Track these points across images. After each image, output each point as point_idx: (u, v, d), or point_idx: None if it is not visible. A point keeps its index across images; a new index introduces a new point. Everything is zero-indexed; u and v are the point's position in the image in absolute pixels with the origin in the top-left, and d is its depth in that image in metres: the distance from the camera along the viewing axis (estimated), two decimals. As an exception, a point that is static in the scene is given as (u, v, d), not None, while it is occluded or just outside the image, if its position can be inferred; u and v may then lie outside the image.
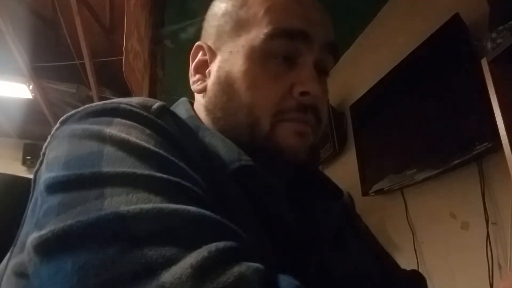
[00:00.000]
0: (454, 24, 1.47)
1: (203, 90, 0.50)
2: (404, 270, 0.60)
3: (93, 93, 2.68)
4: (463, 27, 1.45)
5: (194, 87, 0.51)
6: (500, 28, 1.19)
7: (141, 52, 1.86)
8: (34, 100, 2.95)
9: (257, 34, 0.46)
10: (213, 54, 0.50)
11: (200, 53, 0.52)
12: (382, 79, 1.90)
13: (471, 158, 1.37)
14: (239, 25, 0.48)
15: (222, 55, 0.49)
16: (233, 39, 0.48)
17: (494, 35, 1.21)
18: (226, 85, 0.47)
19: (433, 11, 1.69)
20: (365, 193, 1.94)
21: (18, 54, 2.34)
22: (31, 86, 2.77)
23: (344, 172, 2.35)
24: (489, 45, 1.22)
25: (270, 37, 0.45)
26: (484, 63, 1.15)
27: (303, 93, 0.45)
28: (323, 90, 0.49)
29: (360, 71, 2.26)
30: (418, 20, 1.78)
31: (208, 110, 0.50)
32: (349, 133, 2.31)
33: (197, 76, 0.51)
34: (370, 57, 2.16)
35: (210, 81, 0.50)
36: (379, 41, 2.10)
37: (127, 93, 1.86)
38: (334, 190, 0.54)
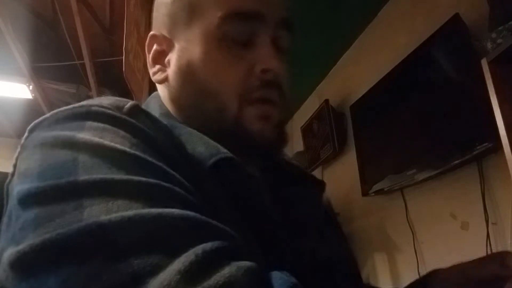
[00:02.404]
0: (454, 24, 1.47)
1: (164, 80, 0.50)
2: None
3: (93, 93, 2.68)
4: (463, 27, 1.45)
5: (155, 77, 0.51)
6: (500, 28, 1.19)
7: (141, 52, 1.86)
8: (34, 100, 2.95)
9: (212, 19, 0.46)
10: (169, 43, 0.50)
11: (156, 43, 0.51)
12: (382, 79, 1.90)
13: (471, 158, 1.37)
14: (192, 11, 0.47)
15: (179, 43, 0.49)
16: (188, 26, 0.48)
17: (494, 35, 1.21)
18: (188, 74, 0.47)
19: (433, 11, 1.69)
20: (365, 193, 1.94)
21: (18, 54, 2.34)
22: (31, 86, 2.77)
23: (344, 172, 2.35)
24: (489, 45, 1.22)
25: (224, 20, 0.45)
26: (484, 63, 1.15)
27: (264, 71, 0.46)
28: (283, 67, 0.48)
29: (360, 71, 2.26)
30: (418, 20, 1.78)
31: (173, 100, 0.49)
32: (349, 133, 2.31)
33: (157, 66, 0.51)
34: (370, 57, 2.16)
35: (171, 71, 0.49)
36: (379, 41, 2.10)
37: (127, 93, 1.86)
38: (310, 179, 0.54)
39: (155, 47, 0.51)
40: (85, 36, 2.17)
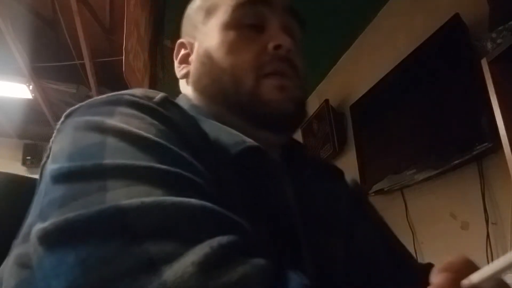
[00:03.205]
0: (454, 24, 1.47)
1: (187, 75, 0.54)
2: (419, 262, 0.59)
3: (93, 93, 2.68)
4: (463, 27, 1.45)
5: (179, 74, 0.56)
6: (500, 28, 1.19)
7: (141, 52, 1.87)
8: (34, 100, 2.95)
9: (225, 9, 0.51)
10: (191, 45, 0.55)
11: (182, 49, 0.56)
12: (382, 79, 1.90)
13: (471, 158, 1.37)
14: (208, 12, 0.53)
15: (199, 40, 0.54)
16: (205, 24, 0.53)
17: (494, 35, 1.21)
18: (205, 58, 0.51)
19: (433, 11, 1.69)
20: (365, 193, 1.94)
21: (18, 54, 2.34)
22: (31, 86, 2.77)
23: (344, 172, 2.35)
24: (489, 45, 1.22)
25: (235, 7, 0.50)
26: (484, 63, 1.15)
27: (276, 47, 0.48)
28: (296, 49, 0.51)
29: (360, 71, 2.26)
30: (418, 20, 1.78)
31: (194, 83, 0.53)
32: (349, 133, 2.31)
33: (182, 66, 0.56)
34: (370, 57, 2.16)
35: (192, 63, 0.54)
36: (379, 41, 2.10)
37: (127, 93, 1.85)
38: (335, 172, 0.56)
39: (182, 51, 0.56)
40: (85, 36, 2.17)
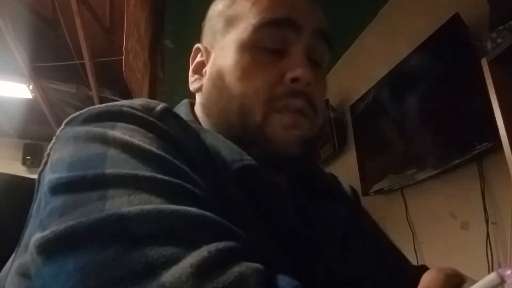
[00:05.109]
0: (454, 24, 1.47)
1: (200, 89, 0.52)
2: (414, 266, 0.59)
3: (93, 93, 2.68)
4: (463, 27, 1.45)
5: (191, 86, 0.53)
6: (500, 28, 1.19)
7: (141, 52, 1.87)
8: (34, 100, 2.94)
9: (245, 26, 0.47)
10: (208, 54, 0.52)
11: (199, 55, 0.54)
12: (382, 79, 1.90)
13: (471, 158, 1.37)
14: (229, 22, 0.49)
15: (215, 52, 0.51)
16: (224, 36, 0.50)
17: (494, 35, 1.21)
18: (217, 79, 0.48)
19: (433, 11, 1.69)
20: (365, 193, 1.94)
21: (18, 54, 2.33)
22: (31, 86, 2.77)
23: (344, 172, 2.35)
24: (489, 45, 1.22)
25: (256, 27, 0.46)
26: (484, 63, 1.15)
27: (294, 80, 0.44)
28: (316, 79, 0.47)
29: (360, 71, 2.26)
30: (418, 20, 1.78)
31: (203, 106, 0.51)
32: (349, 133, 2.31)
33: (195, 76, 0.53)
34: (370, 57, 2.16)
35: (205, 79, 0.51)
36: (379, 41, 2.10)
37: (127, 93, 1.86)
38: (338, 191, 0.54)
39: (197, 58, 0.54)
40: (85, 36, 2.17)
